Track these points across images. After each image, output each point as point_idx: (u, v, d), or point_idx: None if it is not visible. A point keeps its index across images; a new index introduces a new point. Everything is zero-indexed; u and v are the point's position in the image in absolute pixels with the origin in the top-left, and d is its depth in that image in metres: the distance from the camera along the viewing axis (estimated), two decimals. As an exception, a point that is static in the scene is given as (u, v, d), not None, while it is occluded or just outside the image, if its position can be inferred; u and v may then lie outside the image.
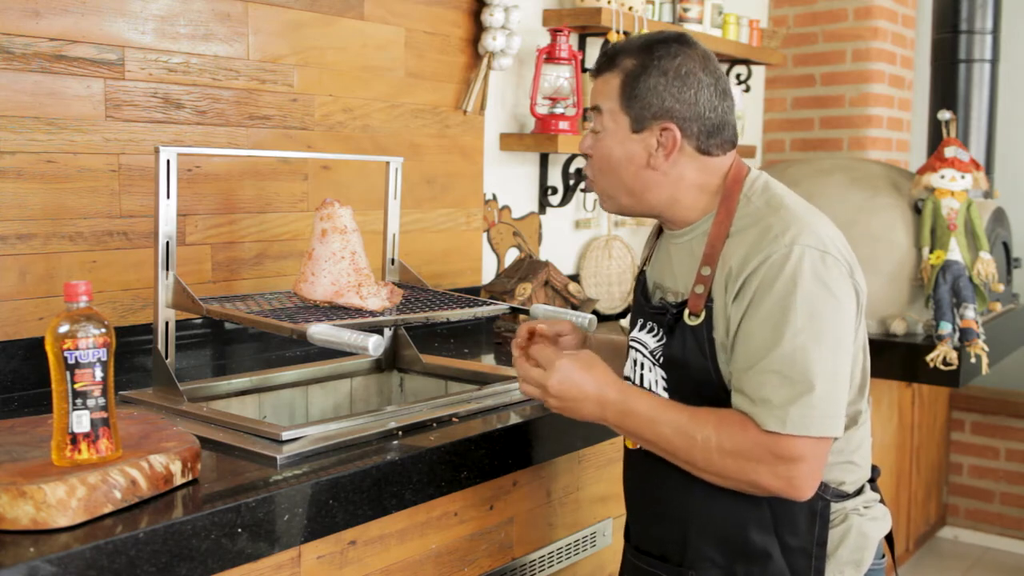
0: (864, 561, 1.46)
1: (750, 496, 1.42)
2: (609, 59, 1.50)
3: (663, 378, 1.50)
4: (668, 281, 1.54)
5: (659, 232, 1.64)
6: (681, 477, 1.45)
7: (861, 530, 1.45)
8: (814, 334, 1.34)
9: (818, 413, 1.33)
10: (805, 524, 1.42)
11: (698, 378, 1.44)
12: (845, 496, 1.46)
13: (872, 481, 1.54)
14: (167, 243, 1.76)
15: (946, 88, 3.66)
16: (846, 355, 1.39)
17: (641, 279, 1.63)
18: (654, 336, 1.52)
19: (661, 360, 1.50)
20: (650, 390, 1.51)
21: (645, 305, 1.57)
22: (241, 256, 2.21)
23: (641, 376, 1.54)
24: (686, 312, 1.45)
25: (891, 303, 3.02)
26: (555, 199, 3.05)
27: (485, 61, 2.69)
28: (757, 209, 1.44)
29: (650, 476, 1.52)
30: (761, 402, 1.35)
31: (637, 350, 1.56)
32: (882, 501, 1.54)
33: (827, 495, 1.44)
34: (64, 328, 1.24)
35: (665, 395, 1.49)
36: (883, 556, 1.53)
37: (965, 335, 2.83)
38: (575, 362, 1.44)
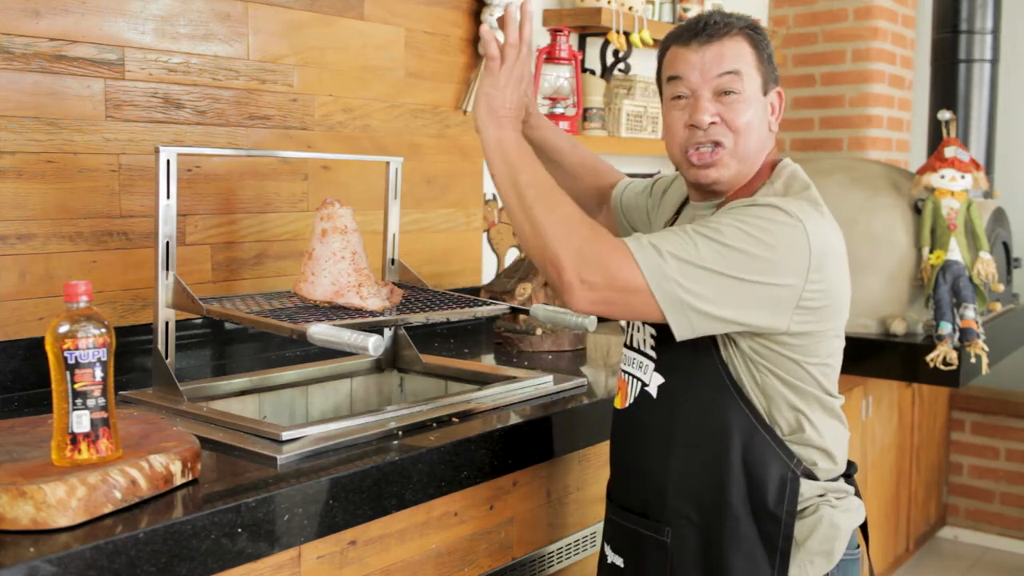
0: (835, 551, 1.47)
1: (726, 461, 1.46)
2: (724, 25, 1.50)
3: (652, 335, 1.55)
4: None
5: (681, 207, 1.68)
6: (664, 439, 1.50)
7: (832, 521, 1.47)
8: (729, 250, 1.36)
9: (667, 271, 1.35)
10: (775, 491, 1.45)
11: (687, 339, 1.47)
12: (812, 477, 1.48)
13: (849, 476, 1.56)
14: (167, 243, 1.76)
15: (946, 88, 3.66)
16: (734, 296, 1.37)
17: None
18: None
19: None
20: (639, 349, 1.57)
21: None
22: (241, 256, 2.21)
23: (631, 336, 1.60)
24: None
25: (891, 303, 3.02)
26: (555, 199, 3.04)
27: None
28: (772, 191, 1.50)
29: (635, 437, 1.55)
30: (646, 239, 1.38)
31: None
32: (857, 494, 1.56)
33: (797, 469, 1.46)
34: (64, 328, 1.24)
35: (653, 354, 1.54)
36: (858, 546, 1.54)
37: (965, 335, 2.83)
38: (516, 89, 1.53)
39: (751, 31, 1.52)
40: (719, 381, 1.46)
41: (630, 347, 1.61)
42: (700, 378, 1.48)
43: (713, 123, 1.50)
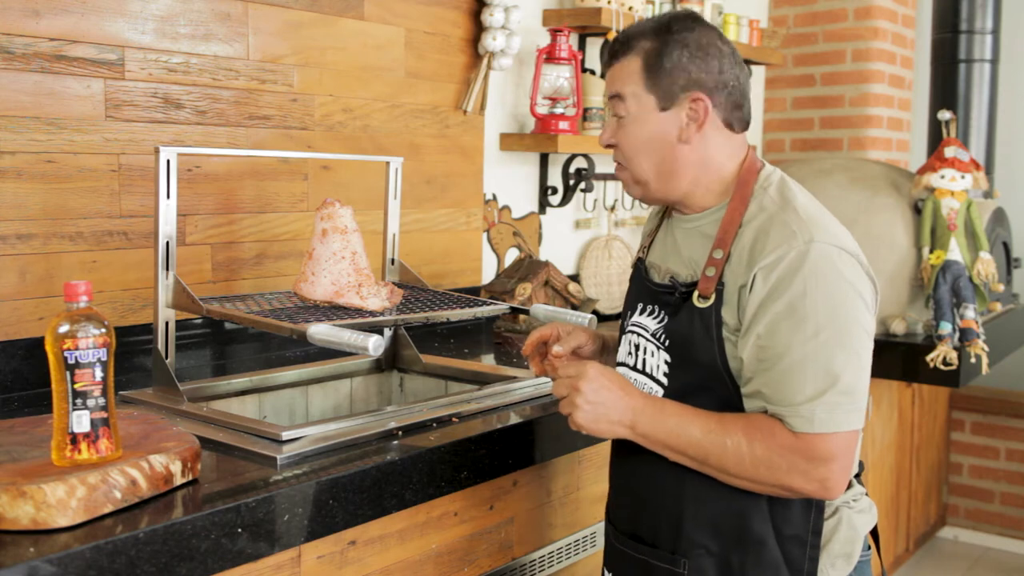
0: (854, 553, 1.46)
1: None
2: (623, 44, 1.49)
3: (666, 361, 1.49)
4: (673, 265, 1.53)
5: (660, 221, 1.64)
6: (676, 467, 1.44)
7: (851, 523, 1.46)
8: (835, 330, 1.35)
9: (843, 408, 1.34)
10: (800, 512, 1.42)
11: (701, 360, 1.43)
12: None
13: (857, 476, 1.54)
14: (167, 243, 1.76)
15: (946, 88, 3.66)
16: (868, 345, 1.40)
17: (639, 267, 1.62)
18: (655, 318, 1.52)
19: (666, 342, 1.48)
20: (650, 375, 1.51)
21: (649, 285, 1.56)
22: (241, 256, 2.21)
23: (644, 361, 1.53)
24: (695, 294, 1.45)
25: (891, 303, 3.02)
26: (555, 199, 3.05)
27: (485, 61, 2.69)
28: (772, 202, 1.44)
29: (642, 462, 1.50)
30: (786, 404, 1.35)
31: (638, 334, 1.55)
32: (866, 494, 1.55)
33: None
34: (64, 328, 1.24)
35: (665, 380, 1.49)
36: (868, 548, 1.53)
37: (965, 335, 2.83)
38: (605, 369, 1.46)
39: (649, 42, 1.46)
40: (737, 407, 1.42)
41: (639, 370, 1.54)
42: (714, 405, 1.43)
43: (611, 145, 1.53)
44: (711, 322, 1.42)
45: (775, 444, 1.35)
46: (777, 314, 1.36)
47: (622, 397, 1.43)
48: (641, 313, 1.55)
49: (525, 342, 1.66)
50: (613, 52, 1.51)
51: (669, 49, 1.45)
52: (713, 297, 1.42)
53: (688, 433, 1.39)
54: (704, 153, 1.49)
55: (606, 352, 1.69)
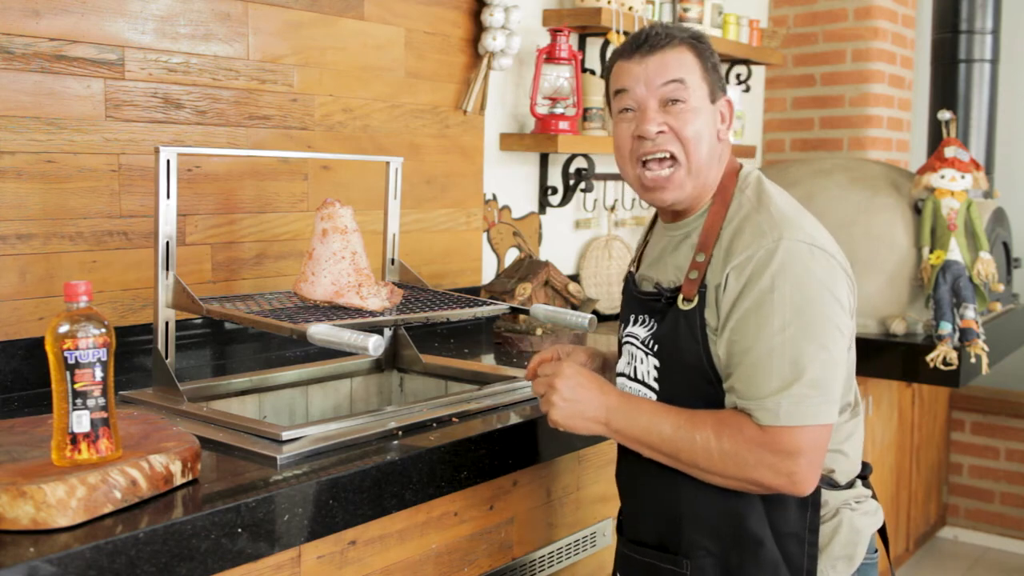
0: (856, 556, 1.47)
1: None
2: (666, 36, 1.50)
3: (655, 367, 1.51)
4: (660, 273, 1.56)
5: (648, 233, 1.67)
6: (671, 470, 1.46)
7: (853, 524, 1.46)
8: (802, 325, 1.36)
9: (810, 401, 1.34)
10: (796, 510, 1.43)
11: (688, 362, 1.46)
12: (835, 486, 1.47)
13: (864, 478, 1.55)
14: (167, 243, 1.76)
15: (946, 88, 3.66)
16: (840, 341, 1.40)
17: (630, 279, 1.65)
18: (645, 326, 1.54)
19: (655, 348, 1.51)
20: (643, 381, 1.53)
21: (637, 296, 1.58)
22: (241, 256, 2.21)
23: (635, 369, 1.56)
24: (680, 297, 1.47)
25: (891, 303, 3.02)
26: (555, 199, 3.05)
27: (485, 61, 2.69)
28: (750, 203, 1.47)
29: (642, 467, 1.52)
30: (752, 397, 1.36)
31: (631, 343, 1.58)
32: (874, 497, 1.55)
33: (818, 482, 1.44)
34: (64, 328, 1.24)
35: (656, 385, 1.51)
36: (876, 551, 1.54)
37: (965, 335, 2.83)
38: (581, 368, 1.50)
39: (694, 40, 1.51)
40: (722, 407, 1.44)
41: (633, 378, 1.56)
42: (703, 406, 1.44)
43: (661, 132, 1.47)
44: (696, 323, 1.45)
45: (742, 438, 1.36)
46: (746, 310, 1.38)
47: (597, 395, 1.47)
48: (633, 324, 1.58)
49: (528, 366, 1.68)
50: (655, 42, 1.48)
51: (710, 50, 1.52)
52: (696, 299, 1.45)
53: (660, 429, 1.41)
54: (721, 151, 1.54)
55: (608, 369, 1.72)
